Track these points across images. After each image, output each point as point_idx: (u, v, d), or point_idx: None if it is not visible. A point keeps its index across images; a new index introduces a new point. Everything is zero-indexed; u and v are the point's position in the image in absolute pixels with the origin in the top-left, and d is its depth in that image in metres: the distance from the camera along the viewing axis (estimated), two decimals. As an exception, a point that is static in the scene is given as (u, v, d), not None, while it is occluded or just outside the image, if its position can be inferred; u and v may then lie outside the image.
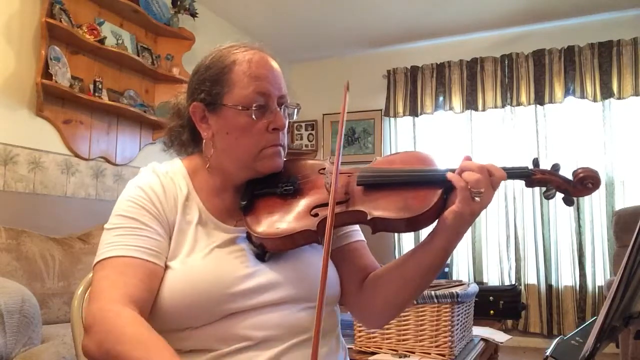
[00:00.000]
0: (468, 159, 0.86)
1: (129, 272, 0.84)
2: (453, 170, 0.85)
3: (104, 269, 0.86)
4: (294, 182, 0.96)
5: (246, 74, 0.93)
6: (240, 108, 0.92)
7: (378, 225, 0.86)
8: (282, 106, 0.97)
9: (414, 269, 0.91)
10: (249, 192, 0.96)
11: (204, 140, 0.97)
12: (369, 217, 0.86)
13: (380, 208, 0.86)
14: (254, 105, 0.92)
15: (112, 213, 0.92)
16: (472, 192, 0.81)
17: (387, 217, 0.85)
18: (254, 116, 0.92)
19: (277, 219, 0.91)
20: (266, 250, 0.91)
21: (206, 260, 0.89)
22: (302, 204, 0.92)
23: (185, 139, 1.03)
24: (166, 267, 0.89)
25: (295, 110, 1.00)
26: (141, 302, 0.83)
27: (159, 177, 0.95)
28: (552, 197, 0.85)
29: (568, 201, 0.85)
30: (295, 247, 0.91)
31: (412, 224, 0.85)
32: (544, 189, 0.86)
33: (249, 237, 0.93)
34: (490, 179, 0.83)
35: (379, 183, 0.91)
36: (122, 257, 0.86)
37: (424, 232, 3.93)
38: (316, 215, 0.89)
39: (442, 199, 0.86)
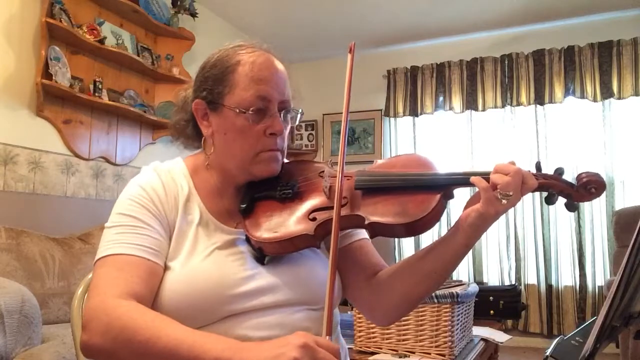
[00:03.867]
0: (512, 163, 0.83)
1: (129, 270, 0.84)
2: (487, 174, 0.83)
3: (104, 266, 0.86)
4: (293, 186, 0.95)
5: (248, 75, 0.93)
6: (238, 110, 0.92)
7: (376, 230, 0.86)
8: (283, 111, 0.96)
9: (434, 263, 0.91)
10: (249, 195, 0.96)
11: (204, 138, 0.98)
12: (366, 222, 0.85)
13: (378, 213, 0.85)
14: (252, 108, 0.92)
15: (113, 211, 0.92)
16: (500, 193, 0.80)
17: (385, 222, 0.84)
18: (250, 120, 0.92)
19: (275, 223, 0.90)
20: (265, 254, 0.90)
21: (207, 261, 0.89)
22: (301, 207, 0.92)
23: (189, 133, 1.03)
24: (166, 267, 0.89)
25: (298, 115, 1.00)
26: (141, 299, 0.82)
27: (160, 176, 0.95)
28: (553, 203, 0.84)
29: (571, 207, 0.84)
30: (293, 251, 0.90)
31: (411, 229, 0.84)
32: (545, 193, 0.84)
33: (248, 240, 0.93)
34: (522, 185, 0.81)
35: (377, 187, 0.89)
36: (122, 255, 0.86)
37: (424, 235, 3.87)
38: (314, 219, 0.88)
39: (441, 204, 0.85)
